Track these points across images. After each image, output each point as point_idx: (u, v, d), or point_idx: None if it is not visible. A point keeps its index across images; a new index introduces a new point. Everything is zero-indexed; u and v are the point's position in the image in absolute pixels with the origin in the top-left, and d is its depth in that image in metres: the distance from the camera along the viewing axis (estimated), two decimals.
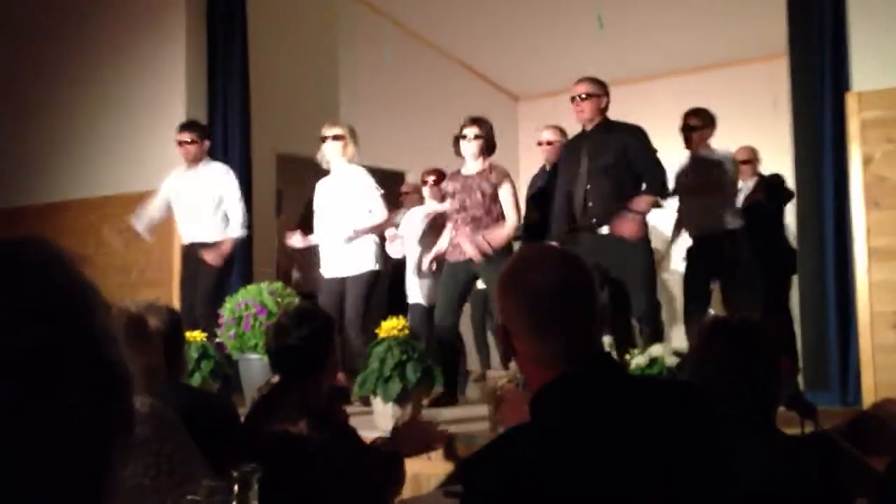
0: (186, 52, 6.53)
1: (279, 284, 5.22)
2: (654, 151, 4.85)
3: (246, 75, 6.51)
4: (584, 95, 4.81)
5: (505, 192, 4.98)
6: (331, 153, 5.32)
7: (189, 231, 5.74)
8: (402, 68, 8.16)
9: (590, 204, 4.75)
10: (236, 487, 1.81)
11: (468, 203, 4.99)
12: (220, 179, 5.69)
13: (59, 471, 0.62)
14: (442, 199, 5.84)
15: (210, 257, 5.54)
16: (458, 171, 5.15)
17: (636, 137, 4.81)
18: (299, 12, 7.39)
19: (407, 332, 4.06)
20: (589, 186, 4.75)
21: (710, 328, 2.11)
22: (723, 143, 5.84)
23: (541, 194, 5.62)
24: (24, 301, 0.64)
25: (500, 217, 5.01)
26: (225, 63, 6.55)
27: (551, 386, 1.45)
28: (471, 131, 5.00)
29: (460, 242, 4.98)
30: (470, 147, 5.01)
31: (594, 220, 4.75)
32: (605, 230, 4.73)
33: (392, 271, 6.49)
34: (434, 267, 5.48)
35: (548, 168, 5.81)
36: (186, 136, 5.67)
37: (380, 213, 5.28)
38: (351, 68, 7.91)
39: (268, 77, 6.71)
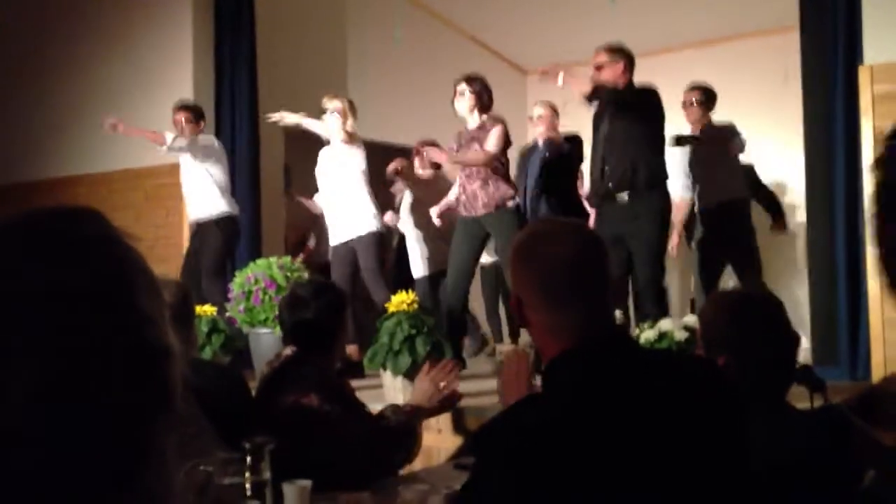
0: (194, 27, 6.51)
1: (288, 259, 5.24)
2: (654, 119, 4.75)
3: (254, 50, 6.49)
4: (597, 65, 4.75)
5: (494, 131, 5.00)
6: (331, 125, 5.39)
7: (190, 209, 5.84)
8: (411, 43, 8.11)
9: (607, 169, 4.68)
10: (249, 459, 1.83)
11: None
12: (203, 153, 5.72)
13: (99, 447, 0.62)
14: (435, 168, 5.92)
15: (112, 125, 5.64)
16: (463, 129, 5.19)
17: (648, 99, 4.69)
18: None
19: (416, 306, 4.07)
20: (606, 151, 4.68)
21: (732, 302, 2.11)
22: (733, 116, 5.81)
23: (543, 169, 5.64)
24: (73, 278, 0.64)
25: (505, 170, 5.06)
26: (233, 38, 6.53)
27: (564, 356, 1.45)
28: (462, 87, 5.06)
29: (425, 153, 5.22)
30: (464, 103, 5.06)
31: (611, 184, 4.68)
32: (624, 197, 4.63)
33: (399, 247, 6.52)
34: (439, 222, 5.56)
35: (540, 143, 5.81)
36: (182, 116, 5.73)
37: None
38: (359, 42, 7.87)
39: (276, 52, 6.69)
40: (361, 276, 5.34)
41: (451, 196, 5.44)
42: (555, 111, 5.94)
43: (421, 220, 5.86)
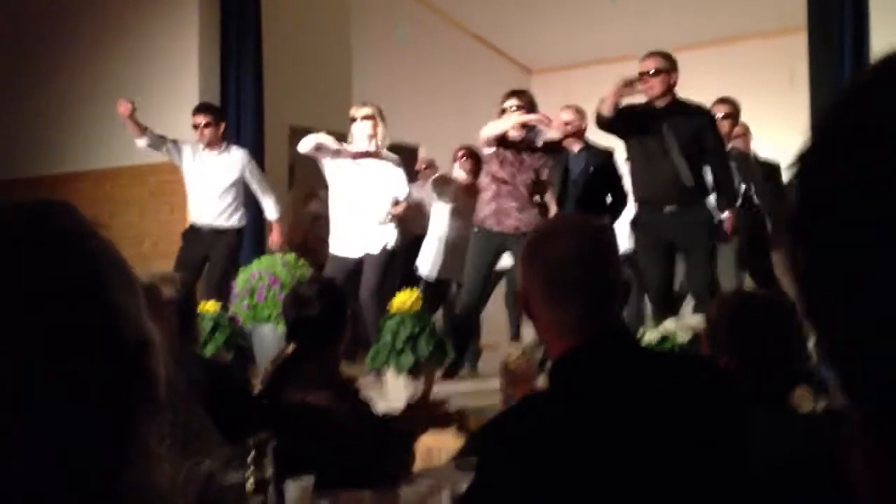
0: (200, 24, 6.52)
1: (292, 256, 5.24)
2: (724, 147, 4.88)
3: (259, 48, 6.50)
4: (652, 71, 4.63)
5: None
6: (360, 134, 5.17)
7: (200, 213, 5.68)
8: (416, 41, 8.11)
9: (668, 183, 4.65)
10: (251, 455, 1.83)
11: (518, 179, 4.98)
12: (241, 167, 5.64)
13: (78, 440, 0.62)
14: (475, 173, 5.81)
15: (274, 246, 5.63)
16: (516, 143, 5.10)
17: (709, 125, 4.76)
18: None
19: (419, 305, 4.07)
20: (676, 167, 4.65)
21: (735, 303, 2.10)
22: (740, 118, 5.80)
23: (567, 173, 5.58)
24: (46, 271, 0.64)
25: (543, 203, 5.07)
26: (238, 36, 6.54)
27: (568, 355, 1.46)
28: (511, 103, 4.99)
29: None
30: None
31: (667, 197, 4.67)
32: (672, 209, 4.67)
33: (407, 246, 6.50)
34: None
35: (571, 150, 5.70)
36: (202, 119, 5.59)
37: (403, 194, 5.26)
38: (364, 40, 7.87)
39: (281, 50, 6.70)
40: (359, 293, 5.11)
41: (456, 175, 5.31)
42: (582, 116, 5.84)
43: (455, 226, 5.70)
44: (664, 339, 3.73)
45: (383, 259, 5.13)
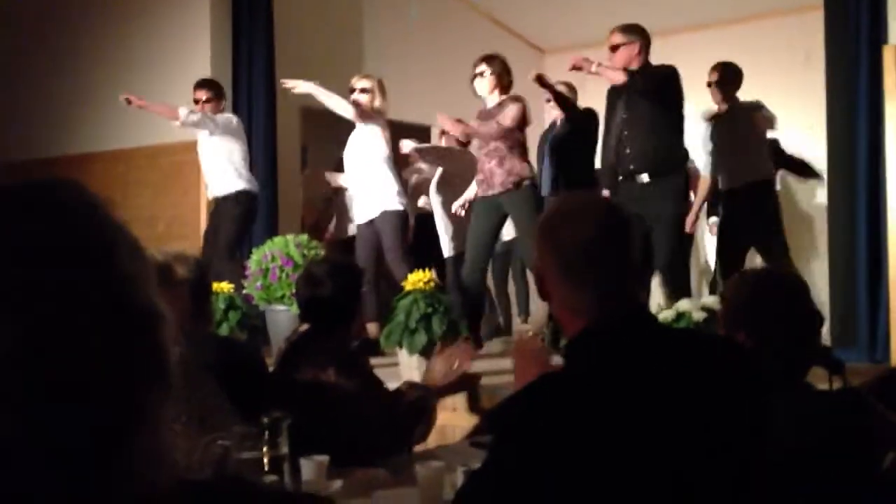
0: (211, 6, 6.50)
1: (305, 237, 5.25)
2: (675, 101, 4.70)
3: (271, 30, 6.48)
4: (610, 47, 4.70)
5: (511, 106, 4.98)
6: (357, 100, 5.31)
7: (210, 185, 5.81)
8: (428, 21, 8.07)
9: (627, 150, 4.65)
10: (266, 434, 1.84)
11: (485, 134, 5.02)
12: (222, 130, 5.70)
13: (84, 406, 0.62)
14: (463, 144, 5.88)
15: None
16: (483, 107, 5.16)
17: (669, 82, 4.63)
18: None
19: (433, 284, 4.07)
20: (626, 133, 4.65)
21: (752, 280, 2.09)
22: (753, 96, 5.75)
23: (558, 148, 5.57)
24: (51, 239, 0.65)
25: (523, 149, 5.03)
26: (250, 17, 6.52)
27: (584, 335, 1.45)
28: (482, 67, 5.04)
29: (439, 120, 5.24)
30: (483, 83, 5.05)
31: (631, 166, 4.64)
32: (644, 178, 4.61)
33: (416, 225, 6.50)
34: (462, 212, 5.51)
35: (557, 122, 5.75)
36: (203, 94, 5.71)
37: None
38: (376, 21, 7.83)
39: (293, 31, 6.68)
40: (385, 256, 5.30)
41: (471, 193, 5.38)
42: (572, 89, 5.87)
43: (449, 196, 5.78)
44: (679, 316, 3.72)
45: (395, 219, 5.21)
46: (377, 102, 5.33)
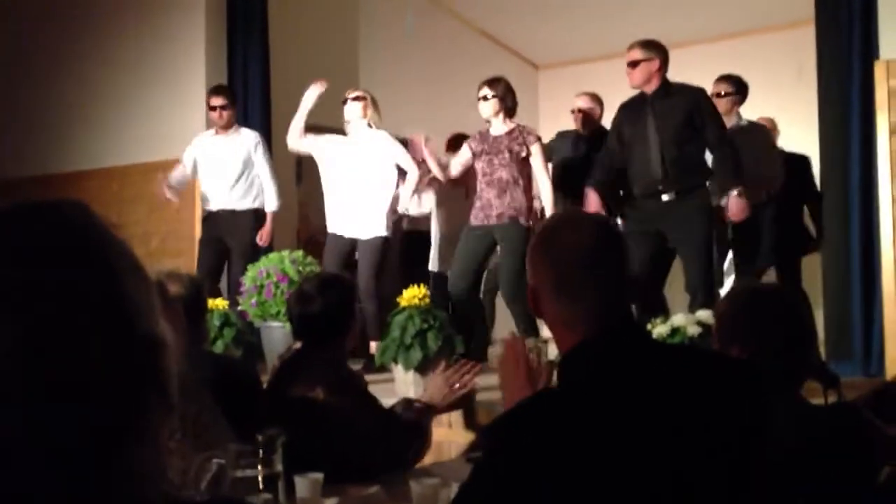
0: (206, 19, 6.51)
1: (300, 253, 5.24)
2: (723, 124, 4.68)
3: (265, 42, 6.50)
4: (630, 63, 4.64)
5: (537, 156, 4.97)
6: (351, 114, 5.31)
7: (216, 197, 5.76)
8: (423, 36, 8.11)
9: (657, 173, 4.53)
10: (261, 451, 1.83)
11: (495, 163, 4.97)
12: (251, 147, 5.73)
13: (85, 427, 0.62)
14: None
15: (263, 241, 5.63)
16: (486, 131, 5.11)
17: (701, 102, 4.61)
18: None
19: (428, 300, 4.06)
20: (660, 154, 4.53)
21: (746, 294, 2.09)
22: (747, 112, 5.78)
23: (577, 161, 5.54)
24: (55, 256, 0.65)
25: (528, 181, 5.00)
26: (245, 32, 6.54)
27: (578, 350, 1.45)
28: (486, 92, 5.01)
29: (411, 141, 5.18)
30: (488, 107, 5.01)
31: (661, 186, 4.55)
32: (667, 197, 4.53)
33: (403, 239, 6.54)
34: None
35: (582, 133, 5.73)
36: (220, 101, 5.69)
37: (412, 170, 5.27)
38: (372, 36, 7.86)
39: (288, 44, 6.69)
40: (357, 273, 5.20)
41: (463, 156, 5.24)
42: (599, 102, 5.80)
43: (448, 211, 5.75)
44: (674, 331, 3.71)
45: (377, 245, 5.19)
46: (370, 112, 5.31)
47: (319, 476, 2.10)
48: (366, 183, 5.24)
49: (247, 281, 5.09)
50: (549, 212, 4.92)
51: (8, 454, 0.61)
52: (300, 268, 4.98)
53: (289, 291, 4.70)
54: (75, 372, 0.63)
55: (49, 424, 0.61)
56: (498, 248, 5.08)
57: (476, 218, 5.01)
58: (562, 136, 5.92)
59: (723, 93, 5.44)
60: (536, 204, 5.21)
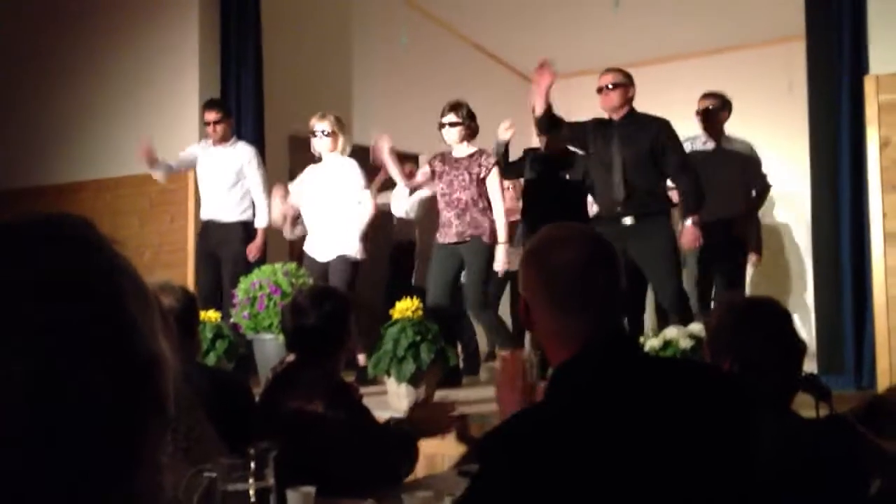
0: (200, 33, 6.52)
1: (293, 265, 5.24)
2: (684, 153, 4.86)
3: (259, 57, 6.51)
4: (611, 85, 4.77)
5: (493, 178, 5.05)
6: (320, 147, 5.39)
7: (208, 208, 5.82)
8: (416, 49, 8.13)
9: (619, 196, 4.69)
10: (253, 464, 1.83)
11: (455, 185, 5.05)
12: (244, 161, 5.77)
13: (82, 452, 0.62)
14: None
15: (253, 255, 5.67)
16: (448, 153, 5.20)
17: (665, 132, 4.77)
18: None
19: (420, 313, 4.07)
20: (623, 177, 4.69)
21: (737, 307, 2.10)
22: (738, 125, 5.82)
23: (537, 181, 5.61)
24: (57, 277, 0.64)
25: (487, 206, 5.06)
26: (238, 44, 6.55)
27: (570, 363, 1.45)
28: (448, 118, 5.12)
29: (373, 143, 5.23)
30: (450, 133, 5.12)
31: (620, 209, 4.69)
32: (629, 221, 4.68)
33: (393, 255, 6.58)
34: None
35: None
36: (213, 115, 5.73)
37: (368, 206, 5.30)
38: (365, 48, 7.89)
39: (281, 58, 6.71)
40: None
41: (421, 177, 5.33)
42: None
43: (426, 231, 5.83)
44: (666, 344, 3.73)
45: (348, 266, 5.26)
46: (340, 142, 5.36)
47: (311, 489, 2.09)
48: (333, 208, 5.32)
49: (239, 293, 5.08)
50: (500, 234, 5.00)
51: (10, 493, 0.60)
52: (293, 280, 4.98)
53: (282, 303, 4.70)
54: (78, 407, 0.62)
55: (49, 457, 0.61)
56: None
57: (440, 237, 5.12)
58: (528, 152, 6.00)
59: (709, 108, 5.52)
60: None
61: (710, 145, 5.57)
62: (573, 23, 8.62)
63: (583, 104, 6.04)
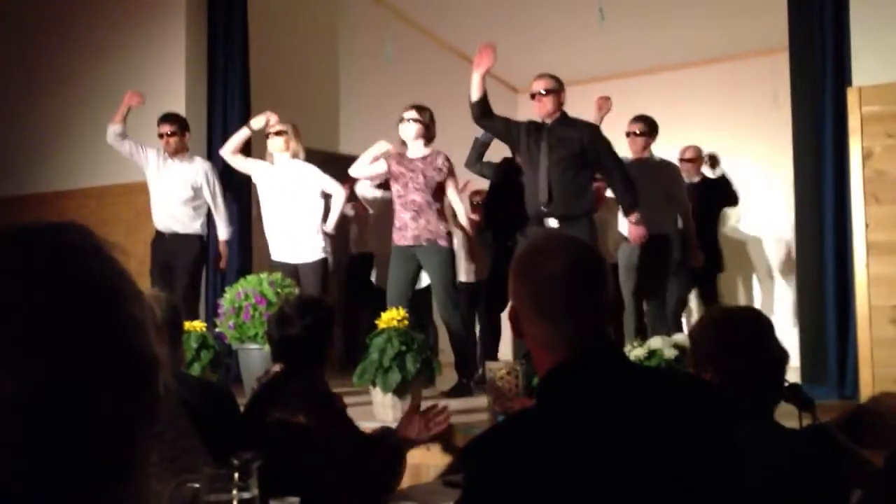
0: (186, 41, 6.52)
1: (278, 275, 5.22)
2: (616, 154, 4.99)
3: (246, 66, 6.51)
4: (544, 91, 4.91)
5: (450, 181, 5.14)
6: (273, 147, 5.54)
7: (162, 220, 5.85)
8: (403, 59, 8.15)
9: (543, 197, 4.82)
10: (237, 475, 1.82)
11: (410, 186, 5.08)
12: (200, 176, 5.84)
13: (81, 454, 0.62)
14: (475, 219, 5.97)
15: (221, 266, 5.90)
16: (404, 154, 5.22)
17: (596, 135, 4.92)
18: (300, 2, 7.38)
19: (406, 322, 4.06)
20: (548, 180, 4.82)
21: (719, 318, 2.12)
22: (722, 137, 5.86)
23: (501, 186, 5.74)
24: (57, 286, 0.65)
25: (442, 208, 5.15)
26: (225, 53, 6.54)
27: (556, 371, 1.46)
28: (409, 114, 5.17)
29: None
30: (408, 129, 5.16)
31: (545, 209, 4.81)
32: (553, 223, 4.79)
33: (354, 259, 6.66)
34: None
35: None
36: (167, 128, 5.78)
37: (338, 192, 5.53)
38: (351, 58, 7.90)
39: (268, 68, 6.71)
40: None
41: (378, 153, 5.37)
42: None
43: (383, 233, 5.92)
44: (651, 354, 3.74)
45: (318, 266, 5.46)
46: (292, 145, 5.51)
47: (296, 500, 2.09)
48: (292, 210, 5.47)
49: (224, 303, 5.06)
50: (459, 237, 5.21)
51: (7, 500, 0.60)
52: (278, 289, 4.96)
53: (267, 313, 4.68)
54: (76, 421, 0.62)
55: (45, 470, 0.61)
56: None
57: (397, 238, 5.14)
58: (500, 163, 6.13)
59: (637, 132, 5.63)
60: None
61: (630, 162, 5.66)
62: (560, 34, 8.66)
63: (570, 113, 6.06)
